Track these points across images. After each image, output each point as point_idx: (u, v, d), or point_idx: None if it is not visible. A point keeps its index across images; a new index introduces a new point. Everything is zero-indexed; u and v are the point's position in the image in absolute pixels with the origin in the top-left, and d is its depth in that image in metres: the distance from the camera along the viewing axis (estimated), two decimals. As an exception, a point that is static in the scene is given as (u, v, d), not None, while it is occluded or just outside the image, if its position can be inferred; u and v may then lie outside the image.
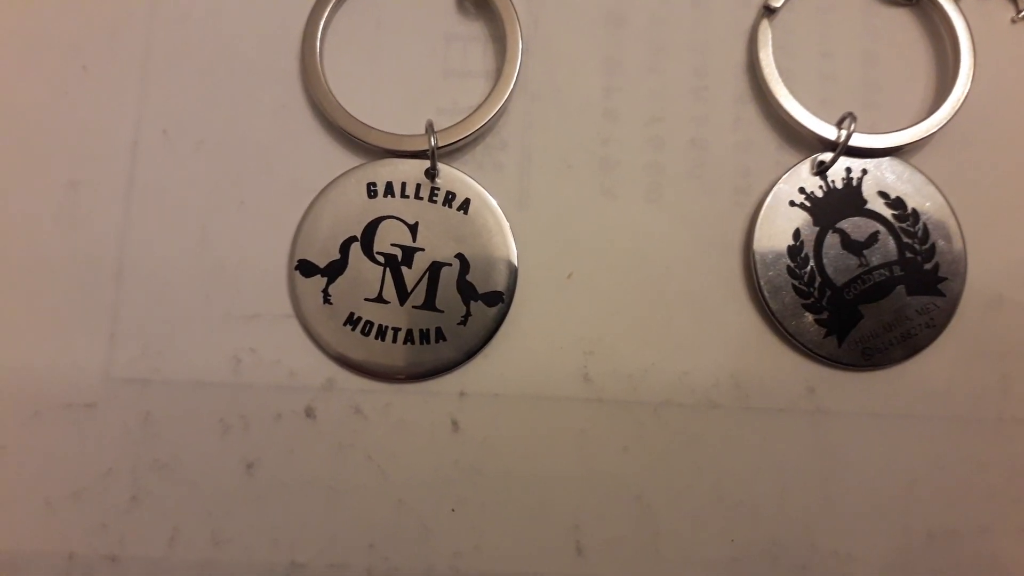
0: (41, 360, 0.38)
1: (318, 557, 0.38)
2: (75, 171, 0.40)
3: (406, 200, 0.40)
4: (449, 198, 0.40)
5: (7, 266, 0.39)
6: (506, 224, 0.40)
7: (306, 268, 0.39)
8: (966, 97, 0.41)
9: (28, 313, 0.38)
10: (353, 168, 0.40)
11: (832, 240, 0.41)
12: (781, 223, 0.41)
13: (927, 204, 0.41)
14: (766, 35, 0.42)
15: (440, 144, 0.39)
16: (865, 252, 0.41)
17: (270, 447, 0.38)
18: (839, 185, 0.41)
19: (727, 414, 0.39)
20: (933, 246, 0.41)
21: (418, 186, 0.40)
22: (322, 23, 0.40)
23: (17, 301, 0.39)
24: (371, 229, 0.39)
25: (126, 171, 0.40)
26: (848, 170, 0.42)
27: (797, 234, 0.41)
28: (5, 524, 0.37)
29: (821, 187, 0.41)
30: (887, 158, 0.42)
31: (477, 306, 0.39)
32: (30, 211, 0.39)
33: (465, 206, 0.40)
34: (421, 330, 0.39)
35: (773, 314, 0.40)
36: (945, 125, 0.41)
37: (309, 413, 0.39)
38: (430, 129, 0.39)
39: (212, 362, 0.39)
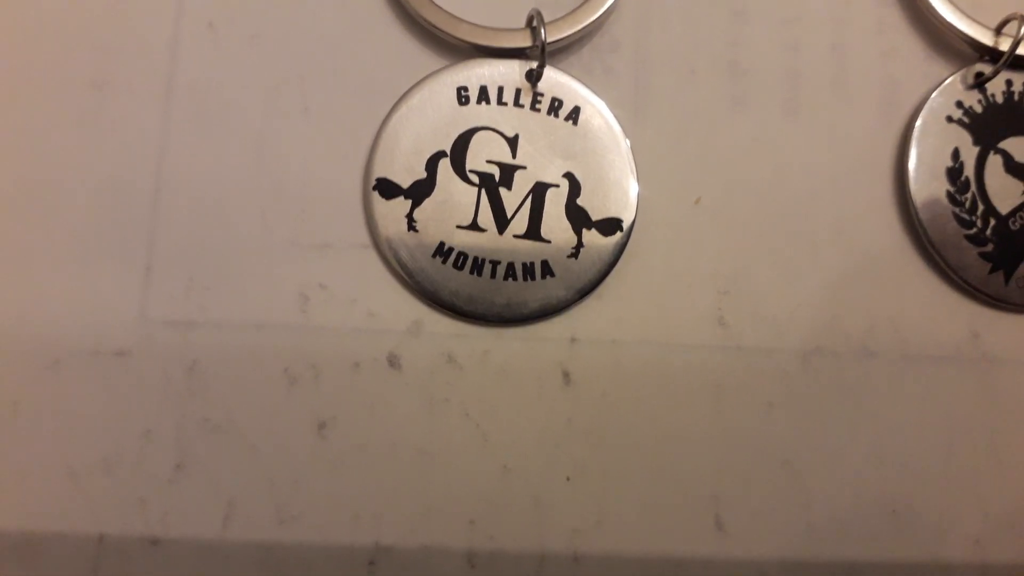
0: (62, 299, 0.31)
1: (408, 537, 0.31)
2: (102, 70, 0.33)
3: (503, 108, 0.33)
4: (555, 106, 0.33)
5: (20, 185, 0.32)
6: (623, 138, 0.33)
7: (386, 189, 0.33)
8: None
9: (46, 242, 0.32)
10: (440, 69, 0.34)
11: (995, 162, 0.35)
12: (937, 142, 0.35)
13: (1099, 123, 0.36)
14: (911, -74, 0.36)
15: (546, 41, 0.33)
16: (1032, 176, 0.35)
17: (346, 403, 0.32)
18: (999, 100, 0.36)
19: (885, 363, 0.34)
20: (1107, 171, 0.36)
21: (518, 91, 0.33)
22: None
23: (33, 227, 0.32)
24: (463, 142, 0.33)
25: (164, 71, 0.33)
26: (1009, 83, 0.36)
27: (956, 155, 0.35)
28: (20, 500, 0.30)
29: (980, 102, 0.36)
30: (1051, 70, 0.36)
31: (590, 235, 0.33)
32: (48, 117, 0.33)
33: (574, 116, 0.33)
34: (524, 263, 0.33)
35: (933, 246, 0.34)
36: (1117, 33, 0.36)
37: (392, 362, 0.32)
38: (537, 19, 0.33)
39: (273, 300, 0.32)
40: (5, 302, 0.31)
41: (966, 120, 0.36)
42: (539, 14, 0.33)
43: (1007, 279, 0.35)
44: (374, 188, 0.33)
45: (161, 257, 0.32)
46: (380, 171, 0.33)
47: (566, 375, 0.33)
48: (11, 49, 0.33)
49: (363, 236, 0.33)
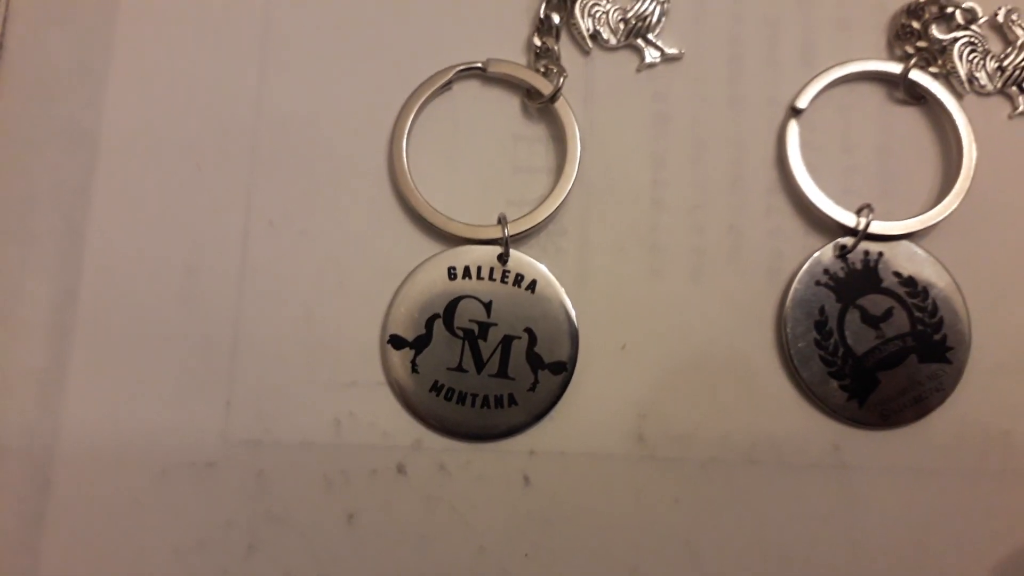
0: (167, 425, 0.43)
1: (411, 598, 0.43)
2: (192, 258, 0.45)
3: (481, 281, 0.45)
4: (518, 279, 0.45)
5: (137, 343, 0.44)
6: (568, 302, 0.45)
7: (397, 342, 0.44)
8: (969, 187, 0.47)
9: (156, 384, 0.44)
10: (435, 254, 0.45)
11: (853, 315, 0.46)
12: (809, 300, 0.46)
13: (936, 282, 0.46)
14: (793, 133, 0.47)
15: (511, 233, 0.45)
16: (882, 325, 0.46)
17: (368, 500, 0.43)
18: (858, 266, 0.47)
19: (764, 469, 0.44)
20: (941, 319, 0.46)
21: (491, 269, 0.45)
22: (407, 127, 0.46)
23: (146, 374, 0.44)
24: (452, 307, 0.44)
25: (238, 257, 0.45)
26: (866, 253, 0.47)
27: (823, 310, 0.46)
28: (138, 571, 0.42)
29: (843, 268, 0.47)
30: (901, 241, 0.47)
31: (544, 374, 0.44)
32: (154, 294, 0.44)
33: (532, 286, 0.45)
34: (495, 396, 0.44)
35: (803, 381, 0.45)
36: (951, 212, 0.46)
37: (400, 469, 0.44)
38: (503, 220, 0.45)
39: (316, 424, 0.43)
40: (127, 428, 0.43)
41: (831, 283, 0.46)
42: (504, 217, 0.45)
43: (861, 404, 0.45)
44: (388, 341, 0.44)
45: (238, 394, 0.44)
46: (392, 329, 0.44)
47: (526, 479, 0.44)
48: (130, 242, 0.45)
49: (380, 376, 0.44)
